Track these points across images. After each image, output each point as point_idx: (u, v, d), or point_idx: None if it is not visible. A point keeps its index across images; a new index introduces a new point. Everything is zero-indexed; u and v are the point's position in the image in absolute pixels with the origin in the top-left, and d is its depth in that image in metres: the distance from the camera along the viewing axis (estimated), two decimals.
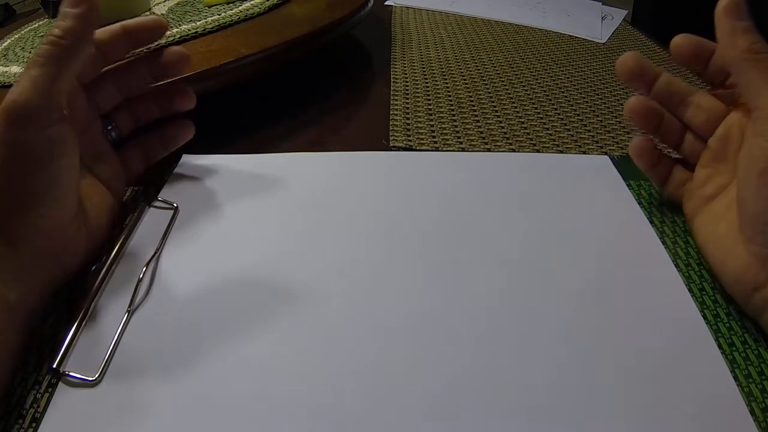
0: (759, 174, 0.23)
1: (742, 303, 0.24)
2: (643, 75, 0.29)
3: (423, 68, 0.51)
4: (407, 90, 0.47)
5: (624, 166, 0.35)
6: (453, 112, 0.43)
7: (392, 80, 0.48)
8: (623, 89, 0.47)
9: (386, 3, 0.70)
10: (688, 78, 0.44)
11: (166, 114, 0.34)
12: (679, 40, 0.28)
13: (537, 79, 0.49)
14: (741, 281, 0.24)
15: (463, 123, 0.41)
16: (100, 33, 0.29)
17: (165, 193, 0.33)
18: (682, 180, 0.30)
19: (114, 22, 0.30)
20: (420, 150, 0.38)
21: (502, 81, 0.48)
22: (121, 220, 0.31)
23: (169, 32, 0.46)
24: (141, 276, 0.27)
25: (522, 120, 0.42)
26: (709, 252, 0.26)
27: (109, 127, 0.32)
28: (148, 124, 0.34)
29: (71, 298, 0.26)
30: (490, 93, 0.46)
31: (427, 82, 0.48)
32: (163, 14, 0.52)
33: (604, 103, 0.44)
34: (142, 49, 0.32)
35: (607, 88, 0.47)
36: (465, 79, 0.49)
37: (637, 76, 0.29)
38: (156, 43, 0.32)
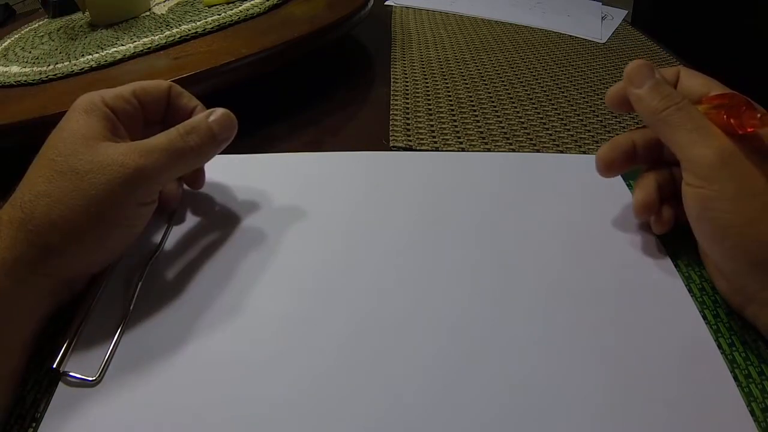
0: (696, 219, 0.24)
1: (740, 315, 0.25)
2: (625, 101, 0.28)
3: (423, 68, 0.51)
4: (407, 90, 0.47)
5: None
6: (453, 112, 0.43)
7: (392, 80, 0.48)
8: None
9: (386, 3, 0.70)
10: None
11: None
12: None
13: (537, 79, 0.49)
14: (728, 300, 0.25)
15: (463, 123, 0.41)
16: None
17: None
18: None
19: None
20: (420, 150, 0.38)
21: (502, 81, 0.48)
22: None
23: (168, 32, 0.46)
24: (141, 276, 0.27)
25: (522, 120, 0.42)
26: (705, 267, 0.27)
27: None
28: None
29: (71, 298, 0.26)
30: (490, 93, 0.46)
31: (427, 82, 0.48)
32: (163, 14, 0.52)
33: (604, 103, 0.44)
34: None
35: (607, 88, 0.47)
36: (465, 79, 0.49)
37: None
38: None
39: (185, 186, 0.33)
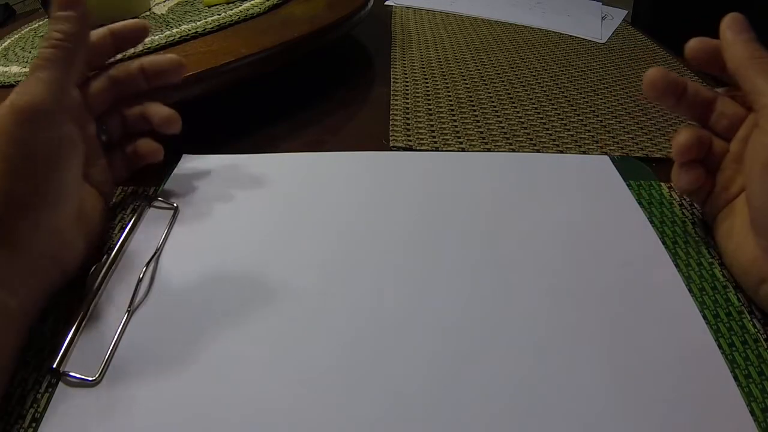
0: (762, 168, 0.24)
1: (751, 294, 0.25)
2: (670, 89, 0.28)
3: (423, 68, 0.51)
4: (407, 90, 0.47)
5: (624, 166, 0.35)
6: (453, 112, 0.43)
7: (392, 80, 0.48)
8: (623, 89, 0.47)
9: (386, 3, 0.70)
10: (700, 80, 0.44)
11: (147, 128, 0.32)
12: (694, 44, 0.28)
13: (537, 79, 0.49)
14: (749, 272, 0.25)
15: (463, 123, 0.41)
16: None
17: (165, 193, 0.33)
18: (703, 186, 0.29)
19: (113, 22, 0.30)
20: (420, 150, 0.38)
21: (502, 81, 0.48)
22: (120, 220, 0.31)
23: (168, 32, 0.46)
24: (141, 276, 0.27)
25: (522, 120, 0.42)
26: (723, 245, 0.27)
27: (103, 128, 0.31)
28: (135, 132, 0.32)
29: (71, 298, 0.26)
30: (490, 93, 0.46)
31: (427, 82, 0.48)
32: (163, 14, 0.52)
33: (604, 103, 0.44)
34: (132, 51, 0.32)
35: (607, 88, 0.47)
36: (465, 79, 0.49)
37: (665, 92, 0.29)
38: (146, 45, 0.32)
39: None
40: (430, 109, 0.43)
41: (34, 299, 0.24)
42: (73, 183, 0.26)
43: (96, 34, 0.30)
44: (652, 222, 0.30)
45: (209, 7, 0.51)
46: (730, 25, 0.27)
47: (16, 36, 0.55)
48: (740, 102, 0.28)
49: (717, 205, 0.29)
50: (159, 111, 0.31)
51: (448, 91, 0.46)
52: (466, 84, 0.48)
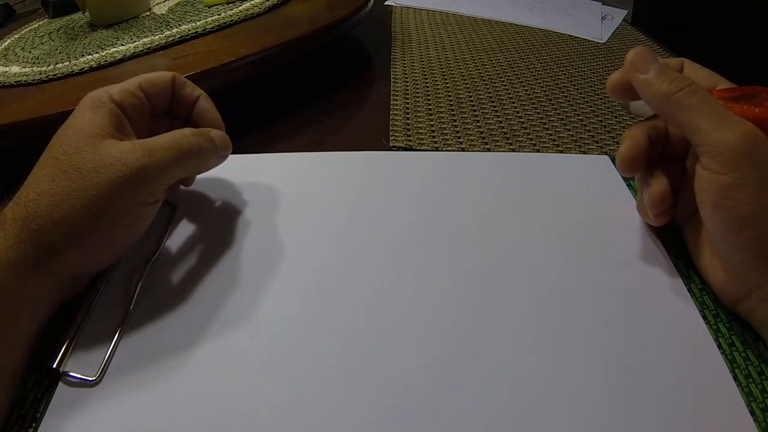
0: (712, 207, 0.23)
1: (732, 310, 0.25)
2: (628, 89, 0.27)
3: (423, 68, 0.51)
4: (407, 90, 0.47)
5: None
6: (453, 112, 0.43)
7: (392, 80, 0.48)
8: None
9: (386, 3, 0.70)
10: None
11: None
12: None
13: (537, 79, 0.49)
14: (723, 292, 0.25)
15: (463, 123, 0.41)
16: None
17: None
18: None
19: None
20: (420, 150, 0.38)
21: (502, 81, 0.48)
22: None
23: (168, 32, 0.46)
24: (141, 276, 0.27)
25: (522, 120, 0.42)
26: (694, 261, 0.27)
27: None
28: None
29: (74, 297, 0.26)
30: (490, 93, 0.46)
31: (427, 82, 0.48)
32: (163, 14, 0.52)
33: (604, 103, 0.44)
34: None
35: None
36: (465, 79, 0.49)
37: (622, 91, 0.27)
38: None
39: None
40: (430, 109, 0.43)
41: (45, 316, 0.24)
42: (134, 240, 0.27)
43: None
44: None
45: (209, 7, 0.51)
46: (635, 65, 0.25)
47: (16, 36, 0.55)
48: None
49: (682, 211, 0.28)
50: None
51: (448, 91, 0.46)
52: (466, 84, 0.48)
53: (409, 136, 0.40)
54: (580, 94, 0.46)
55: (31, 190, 0.23)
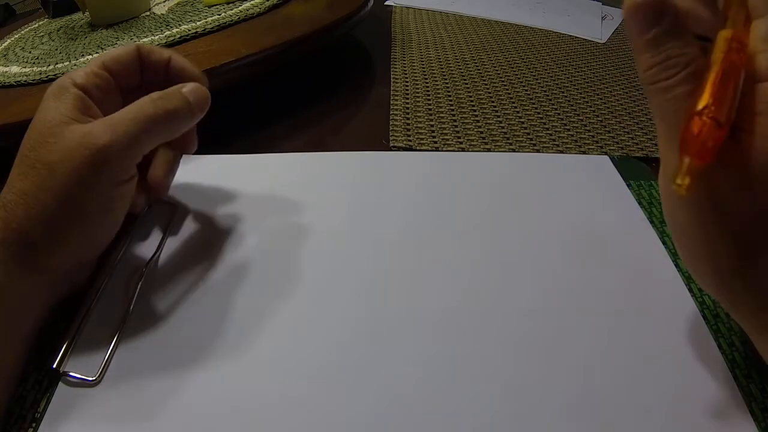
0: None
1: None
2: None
3: (423, 68, 0.51)
4: (407, 90, 0.47)
5: (624, 166, 0.35)
6: (453, 112, 0.43)
7: (392, 80, 0.48)
8: (623, 89, 0.47)
9: (386, 3, 0.70)
10: None
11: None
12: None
13: (537, 79, 0.49)
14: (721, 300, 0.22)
15: (463, 123, 0.41)
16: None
17: None
18: None
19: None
20: (420, 150, 0.38)
21: (502, 81, 0.48)
22: None
23: (168, 32, 0.46)
24: (141, 276, 0.27)
25: (522, 120, 0.42)
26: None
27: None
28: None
29: (71, 298, 0.26)
30: (490, 93, 0.46)
31: (427, 82, 0.48)
32: (163, 14, 0.52)
33: (604, 103, 0.44)
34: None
35: (607, 88, 0.47)
36: (465, 79, 0.49)
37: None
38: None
39: (183, 154, 0.31)
40: (430, 109, 0.43)
41: (43, 314, 0.24)
42: (116, 229, 0.26)
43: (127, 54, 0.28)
44: (652, 222, 0.30)
45: (209, 7, 0.51)
46: (632, 11, 0.20)
47: (16, 36, 0.55)
48: None
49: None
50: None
51: (448, 91, 0.46)
52: (466, 84, 0.48)
53: (409, 136, 0.40)
54: (580, 94, 0.46)
55: (8, 191, 0.23)
